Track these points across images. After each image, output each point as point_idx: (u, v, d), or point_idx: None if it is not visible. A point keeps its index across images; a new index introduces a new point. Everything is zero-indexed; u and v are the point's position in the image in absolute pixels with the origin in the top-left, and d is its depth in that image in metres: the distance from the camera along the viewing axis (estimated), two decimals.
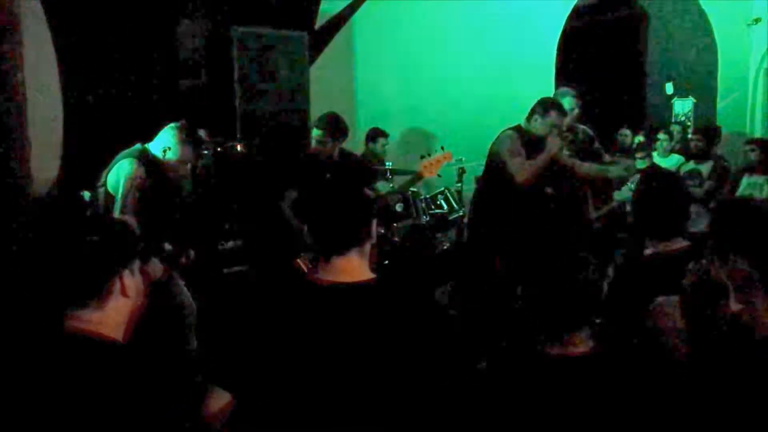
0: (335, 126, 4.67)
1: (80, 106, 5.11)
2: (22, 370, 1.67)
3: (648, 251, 2.59)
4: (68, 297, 1.74)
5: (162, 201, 3.97)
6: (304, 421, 1.82)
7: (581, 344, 1.82)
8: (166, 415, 1.72)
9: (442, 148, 4.62)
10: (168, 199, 4.08)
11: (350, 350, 1.82)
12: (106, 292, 1.75)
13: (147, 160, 3.95)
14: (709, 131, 6.65)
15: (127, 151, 3.99)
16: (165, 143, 4.01)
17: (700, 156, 6.32)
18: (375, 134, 6.40)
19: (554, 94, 5.29)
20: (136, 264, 1.85)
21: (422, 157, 4.77)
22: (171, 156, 4.01)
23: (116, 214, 3.75)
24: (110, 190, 3.90)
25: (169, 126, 4.06)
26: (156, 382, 1.73)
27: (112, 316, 1.77)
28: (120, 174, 3.88)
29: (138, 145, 4.03)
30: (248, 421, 1.87)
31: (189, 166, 4.47)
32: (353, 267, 1.94)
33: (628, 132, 7.90)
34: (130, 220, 3.69)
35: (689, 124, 9.16)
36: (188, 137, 4.05)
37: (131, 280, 1.80)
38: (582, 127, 5.27)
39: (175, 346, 3.83)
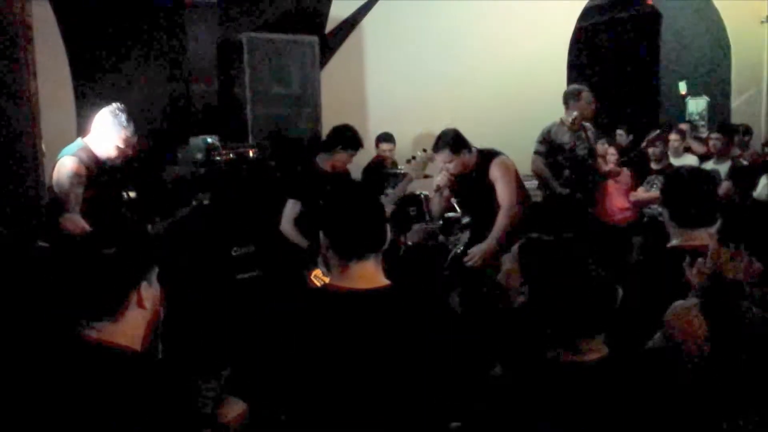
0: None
1: (93, 114, 5.13)
2: (39, 379, 1.67)
3: (672, 242, 2.58)
4: (88, 311, 1.74)
5: (106, 197, 3.86)
6: (323, 426, 1.81)
7: (595, 350, 1.79)
8: (181, 422, 1.72)
9: (425, 150, 4.66)
10: (112, 195, 3.96)
11: (369, 356, 1.81)
12: (124, 305, 1.75)
13: (87, 156, 3.80)
14: (730, 130, 6.62)
15: (66, 147, 3.85)
16: (101, 132, 3.83)
17: (719, 156, 6.31)
18: (378, 139, 6.40)
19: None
20: (154, 273, 1.85)
21: (408, 161, 4.80)
22: (112, 142, 3.82)
23: (68, 215, 3.64)
24: (56, 190, 3.76)
25: (100, 112, 3.88)
26: (170, 389, 1.73)
27: (129, 326, 1.76)
28: (60, 172, 3.74)
29: (78, 140, 3.90)
30: (266, 428, 1.86)
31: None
32: (370, 273, 1.92)
33: (622, 132, 7.92)
34: (77, 218, 3.66)
35: (703, 123, 9.10)
36: (119, 117, 3.83)
37: (148, 291, 1.80)
38: (588, 125, 5.47)
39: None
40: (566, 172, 5.37)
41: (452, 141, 4.24)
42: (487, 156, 4.32)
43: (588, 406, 1.72)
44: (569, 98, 5.44)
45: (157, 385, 1.70)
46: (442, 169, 4.36)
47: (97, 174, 3.84)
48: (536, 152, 5.40)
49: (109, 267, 1.75)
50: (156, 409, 1.65)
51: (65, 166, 3.74)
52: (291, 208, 4.55)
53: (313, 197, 4.30)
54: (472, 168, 4.31)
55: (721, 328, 1.95)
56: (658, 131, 6.68)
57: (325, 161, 4.63)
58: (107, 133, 3.84)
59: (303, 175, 4.63)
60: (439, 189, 4.44)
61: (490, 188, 4.27)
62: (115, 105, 3.88)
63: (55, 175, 3.76)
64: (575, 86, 5.58)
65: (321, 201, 2.12)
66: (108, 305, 1.74)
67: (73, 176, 3.71)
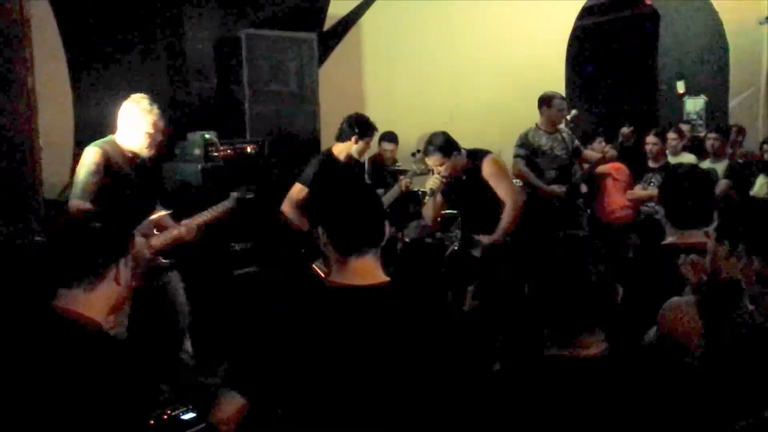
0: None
1: (90, 111, 5.13)
2: (10, 349, 1.77)
3: (668, 239, 2.58)
4: (66, 275, 1.82)
5: (121, 189, 3.78)
6: (322, 422, 1.81)
7: (593, 346, 1.79)
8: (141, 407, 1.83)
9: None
10: (139, 193, 3.87)
11: (368, 353, 1.80)
12: (101, 277, 1.84)
13: (112, 149, 3.75)
14: (725, 130, 6.64)
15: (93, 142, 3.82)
16: (127, 123, 3.75)
17: (716, 155, 6.32)
18: (381, 138, 6.39)
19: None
20: (131, 256, 1.95)
21: (413, 154, 4.88)
22: (142, 131, 3.74)
23: (72, 199, 3.60)
24: (74, 178, 3.74)
25: (123, 105, 3.78)
26: (138, 372, 1.82)
27: (100, 299, 1.85)
28: (80, 162, 3.71)
29: (109, 136, 3.83)
30: (263, 424, 1.86)
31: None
32: (369, 269, 1.91)
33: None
34: (85, 205, 3.65)
35: (701, 122, 9.12)
36: (142, 104, 3.75)
37: (125, 271, 1.90)
38: (565, 128, 5.66)
39: (170, 345, 3.84)
40: (550, 173, 5.45)
41: (443, 144, 4.28)
42: (477, 155, 4.38)
43: (587, 401, 1.73)
44: (541, 104, 5.54)
45: (112, 364, 1.77)
46: (433, 173, 4.39)
47: (126, 169, 3.77)
48: (516, 156, 5.52)
49: (93, 235, 1.85)
50: (105, 387, 1.72)
51: (85, 155, 3.71)
52: (297, 192, 4.61)
53: (323, 186, 4.32)
54: (463, 169, 4.36)
55: (717, 326, 1.95)
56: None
57: (341, 152, 4.70)
58: (134, 122, 3.75)
59: (319, 163, 4.68)
60: (432, 193, 4.44)
61: (483, 186, 4.32)
62: (136, 94, 3.80)
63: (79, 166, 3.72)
64: (547, 93, 5.63)
65: (325, 193, 2.10)
66: (86, 270, 1.83)
67: (90, 164, 3.66)
